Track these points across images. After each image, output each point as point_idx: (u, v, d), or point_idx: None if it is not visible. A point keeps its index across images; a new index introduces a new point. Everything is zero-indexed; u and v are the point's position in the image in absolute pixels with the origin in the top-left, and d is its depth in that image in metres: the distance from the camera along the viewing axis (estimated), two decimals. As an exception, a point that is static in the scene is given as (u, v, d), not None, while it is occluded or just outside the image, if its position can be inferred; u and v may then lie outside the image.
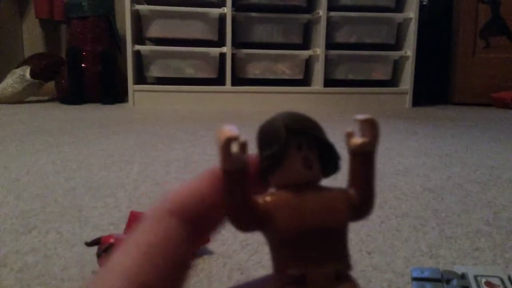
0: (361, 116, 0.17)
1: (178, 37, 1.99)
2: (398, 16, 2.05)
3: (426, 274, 0.35)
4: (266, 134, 0.17)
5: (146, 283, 0.14)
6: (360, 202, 0.17)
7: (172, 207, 0.16)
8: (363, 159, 0.17)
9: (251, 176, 0.16)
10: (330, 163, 0.17)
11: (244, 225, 0.16)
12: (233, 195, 0.16)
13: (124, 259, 0.14)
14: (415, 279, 0.35)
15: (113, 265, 0.14)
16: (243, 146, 0.16)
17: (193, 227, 0.16)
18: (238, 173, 0.15)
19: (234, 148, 0.15)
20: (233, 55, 1.99)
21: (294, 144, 0.16)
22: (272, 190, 0.17)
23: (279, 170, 0.16)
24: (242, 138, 0.16)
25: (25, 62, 2.08)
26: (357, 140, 0.17)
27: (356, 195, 0.17)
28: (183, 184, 0.16)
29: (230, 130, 0.15)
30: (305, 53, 2.05)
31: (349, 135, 0.17)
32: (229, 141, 0.15)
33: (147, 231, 0.15)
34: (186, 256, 0.15)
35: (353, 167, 0.17)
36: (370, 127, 0.17)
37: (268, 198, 0.16)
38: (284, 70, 2.07)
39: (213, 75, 2.02)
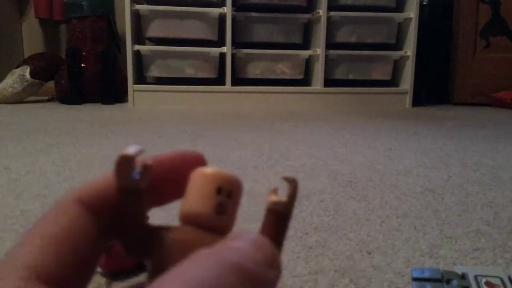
0: (285, 175, 0.17)
1: (178, 37, 1.99)
2: (398, 16, 2.05)
3: (426, 274, 0.35)
4: None
5: (49, 274, 0.13)
6: None
7: (80, 195, 0.15)
8: (275, 218, 0.16)
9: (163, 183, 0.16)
10: None
11: (129, 247, 0.15)
12: (125, 213, 0.15)
13: (26, 249, 0.13)
14: (415, 279, 0.35)
15: (14, 254, 0.13)
16: (145, 169, 0.15)
17: (102, 220, 0.15)
18: (134, 192, 0.15)
19: (135, 167, 0.15)
20: (233, 55, 1.99)
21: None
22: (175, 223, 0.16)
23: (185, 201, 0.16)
24: (148, 161, 0.15)
25: (25, 62, 2.08)
26: (274, 197, 0.16)
27: None
28: (94, 178, 0.16)
29: (130, 149, 0.15)
30: (305, 53, 2.05)
31: (271, 192, 0.17)
32: (124, 158, 0.15)
33: (52, 219, 0.14)
34: (94, 248, 0.15)
35: (264, 223, 0.17)
36: (291, 187, 0.16)
37: (158, 228, 0.15)
38: (284, 70, 2.07)
39: (213, 75, 2.02)
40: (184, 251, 0.15)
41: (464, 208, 0.59)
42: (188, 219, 0.16)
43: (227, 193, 0.16)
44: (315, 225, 0.51)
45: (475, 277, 0.34)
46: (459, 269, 0.35)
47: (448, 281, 0.34)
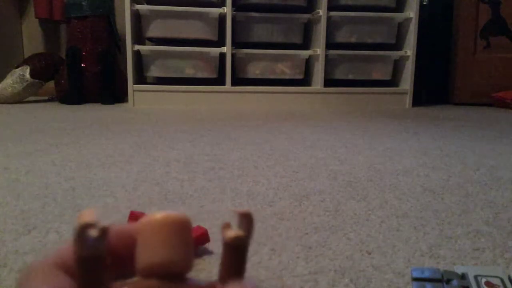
0: (238, 210, 0.17)
1: (178, 37, 1.99)
2: (398, 16, 2.05)
3: (426, 274, 0.35)
4: None
5: None
6: None
7: (56, 261, 0.16)
8: (235, 252, 0.17)
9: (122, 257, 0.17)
10: None
11: None
12: (87, 282, 0.15)
13: None
14: (415, 279, 0.34)
15: None
16: (103, 232, 0.15)
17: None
18: (94, 259, 0.15)
19: (93, 233, 0.15)
20: (233, 55, 1.99)
21: None
22: (134, 278, 0.16)
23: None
24: (103, 224, 0.15)
25: (25, 62, 2.08)
26: (231, 232, 0.17)
27: (222, 287, 0.17)
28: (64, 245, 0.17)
29: (88, 215, 0.15)
30: (305, 53, 2.05)
31: (225, 227, 0.17)
32: (84, 227, 0.14)
33: (45, 280, 0.15)
34: None
35: (225, 259, 0.17)
36: (246, 221, 0.17)
37: None
38: (284, 70, 2.07)
39: (213, 75, 2.02)
40: None
41: (464, 208, 0.59)
42: (150, 271, 0.16)
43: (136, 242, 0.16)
44: (315, 225, 0.51)
45: (475, 277, 0.34)
46: (459, 269, 0.35)
47: (448, 281, 0.34)
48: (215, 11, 1.94)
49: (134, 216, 0.44)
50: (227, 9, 1.92)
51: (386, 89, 2.09)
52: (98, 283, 0.15)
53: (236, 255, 0.17)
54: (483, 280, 0.34)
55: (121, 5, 2.34)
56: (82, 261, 0.15)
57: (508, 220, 0.54)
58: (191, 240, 0.16)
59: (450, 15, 2.32)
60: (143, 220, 0.16)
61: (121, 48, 2.20)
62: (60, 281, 0.15)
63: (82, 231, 0.14)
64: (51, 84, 2.21)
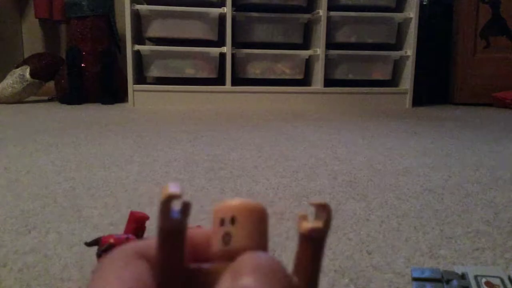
0: (315, 201, 0.17)
1: (178, 37, 1.99)
2: (398, 16, 2.05)
3: (426, 274, 0.35)
4: None
5: None
6: None
7: (136, 250, 0.16)
8: (312, 244, 0.16)
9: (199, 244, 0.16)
10: None
11: None
12: (166, 256, 0.15)
13: None
14: (415, 279, 0.34)
15: None
16: (186, 207, 0.15)
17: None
18: (175, 233, 0.14)
19: (176, 206, 0.14)
20: (233, 55, 1.99)
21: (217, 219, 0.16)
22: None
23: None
24: (185, 199, 0.15)
25: (25, 62, 2.08)
26: (308, 224, 0.16)
27: (299, 281, 0.16)
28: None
29: (174, 186, 0.15)
30: (305, 53, 2.05)
31: (301, 218, 0.17)
32: (170, 198, 0.14)
33: (126, 268, 0.15)
34: None
35: (300, 251, 0.17)
36: (323, 212, 0.17)
37: (198, 270, 0.15)
38: (284, 70, 2.07)
39: (213, 75, 2.02)
40: None
41: (464, 208, 0.59)
42: (225, 256, 0.16)
43: (230, 221, 0.16)
44: (315, 225, 0.51)
45: (475, 277, 0.34)
46: (459, 269, 0.35)
47: (448, 281, 0.34)
48: (215, 11, 1.94)
49: (134, 216, 0.44)
50: (227, 9, 1.92)
51: (386, 89, 2.09)
52: (176, 258, 0.15)
53: (312, 248, 0.17)
54: (483, 280, 0.34)
55: (121, 5, 2.34)
56: (163, 233, 0.14)
57: (508, 220, 0.54)
58: (266, 228, 0.16)
59: (450, 15, 2.32)
60: (219, 205, 0.16)
61: (121, 48, 2.20)
62: (138, 268, 0.15)
63: (167, 202, 0.14)
64: (51, 84, 2.21)
